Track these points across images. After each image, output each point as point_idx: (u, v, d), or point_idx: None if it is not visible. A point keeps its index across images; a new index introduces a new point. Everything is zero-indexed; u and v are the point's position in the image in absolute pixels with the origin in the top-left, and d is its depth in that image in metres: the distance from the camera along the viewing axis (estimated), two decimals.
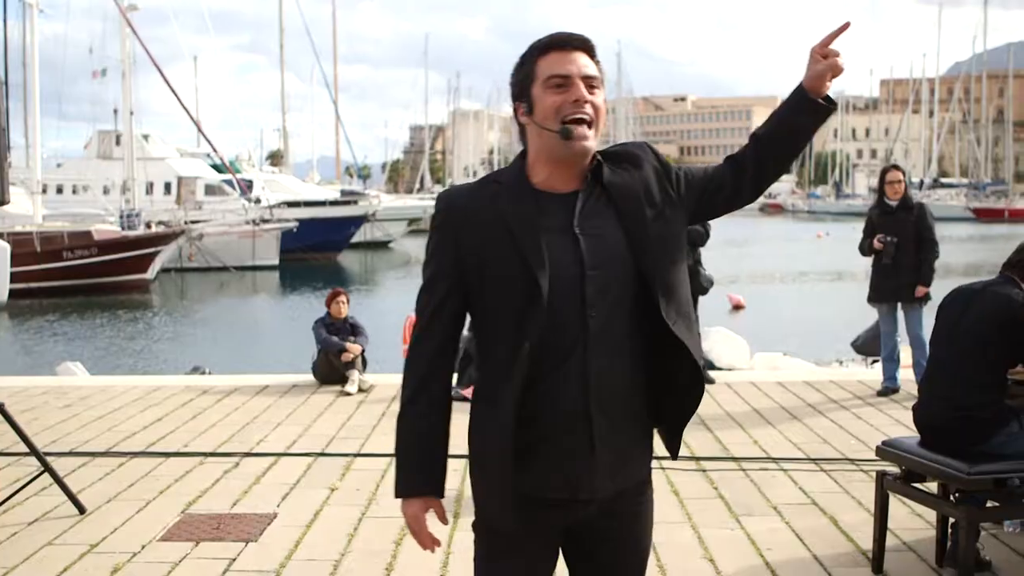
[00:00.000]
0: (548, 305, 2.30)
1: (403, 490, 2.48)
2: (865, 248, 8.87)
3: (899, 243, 8.58)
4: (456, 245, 2.38)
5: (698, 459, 6.58)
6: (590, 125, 2.36)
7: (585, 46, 2.40)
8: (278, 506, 5.76)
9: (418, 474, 2.48)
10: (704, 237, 9.18)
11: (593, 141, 2.37)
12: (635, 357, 2.41)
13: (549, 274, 2.30)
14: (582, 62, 2.38)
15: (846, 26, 2.46)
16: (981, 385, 4.43)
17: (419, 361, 2.46)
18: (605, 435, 2.38)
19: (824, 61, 2.44)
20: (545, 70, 2.36)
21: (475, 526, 2.53)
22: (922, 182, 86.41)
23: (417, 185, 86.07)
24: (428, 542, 2.51)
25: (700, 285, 9.14)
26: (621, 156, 2.46)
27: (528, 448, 2.36)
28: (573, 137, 2.33)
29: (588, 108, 2.36)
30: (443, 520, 2.54)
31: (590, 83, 2.38)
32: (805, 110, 2.50)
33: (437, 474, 2.49)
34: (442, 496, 2.51)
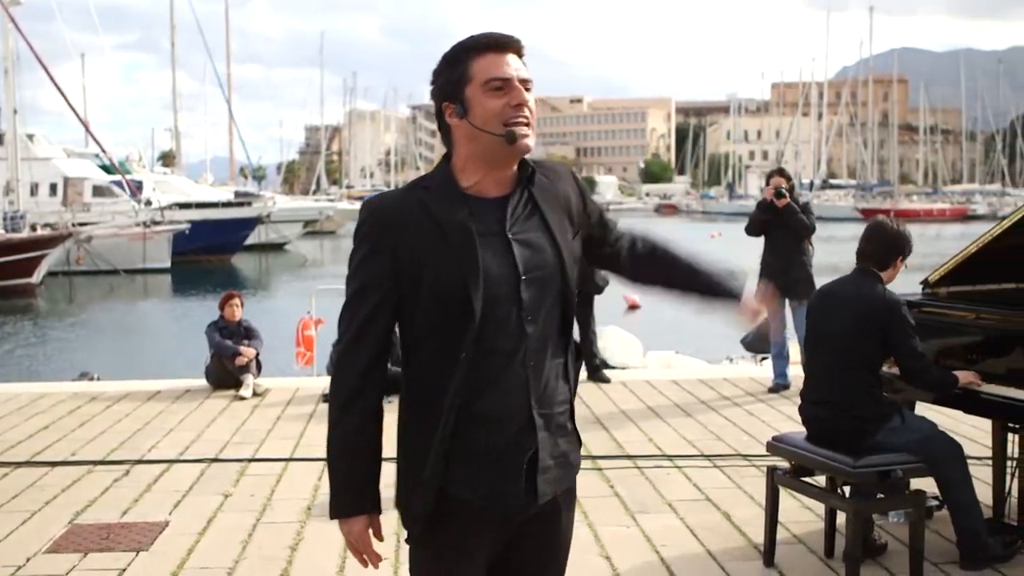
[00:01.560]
0: (488, 311, 2.27)
1: (346, 510, 2.39)
2: (754, 224, 9.05)
3: (786, 242, 8.80)
4: (392, 254, 2.30)
5: (594, 458, 6.63)
6: (528, 127, 2.35)
7: (517, 48, 2.37)
8: (170, 514, 5.64)
9: (359, 492, 2.39)
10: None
11: (533, 144, 2.36)
12: (562, 364, 2.44)
13: (487, 281, 2.27)
14: (516, 64, 2.35)
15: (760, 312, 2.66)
16: (858, 385, 4.56)
17: (351, 371, 2.35)
18: (546, 441, 2.38)
19: (752, 316, 2.66)
20: (483, 72, 2.30)
21: (417, 540, 2.40)
22: (812, 183, 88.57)
23: (313, 186, 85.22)
24: (375, 560, 2.43)
25: (596, 285, 9.23)
26: (547, 167, 2.47)
27: (469, 455, 2.32)
28: (518, 141, 2.31)
29: (527, 111, 2.34)
30: (379, 536, 2.44)
31: (526, 86, 2.35)
32: (718, 306, 2.69)
33: (375, 489, 2.41)
34: (380, 512, 2.43)
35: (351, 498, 2.39)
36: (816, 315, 4.80)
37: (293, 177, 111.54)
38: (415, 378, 2.36)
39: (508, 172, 2.38)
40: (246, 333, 9.59)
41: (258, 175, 79.68)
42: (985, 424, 5.46)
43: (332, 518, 2.42)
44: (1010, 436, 5.11)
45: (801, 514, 5.43)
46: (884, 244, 4.71)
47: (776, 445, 4.86)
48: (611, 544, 5.09)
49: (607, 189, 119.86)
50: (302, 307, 12.33)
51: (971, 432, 6.84)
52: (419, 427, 2.33)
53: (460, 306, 2.27)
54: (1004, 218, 5.38)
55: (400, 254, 2.30)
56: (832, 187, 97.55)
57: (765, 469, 4.98)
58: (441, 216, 2.30)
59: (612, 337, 11.96)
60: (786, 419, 7.49)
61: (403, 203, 2.34)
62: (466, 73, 2.31)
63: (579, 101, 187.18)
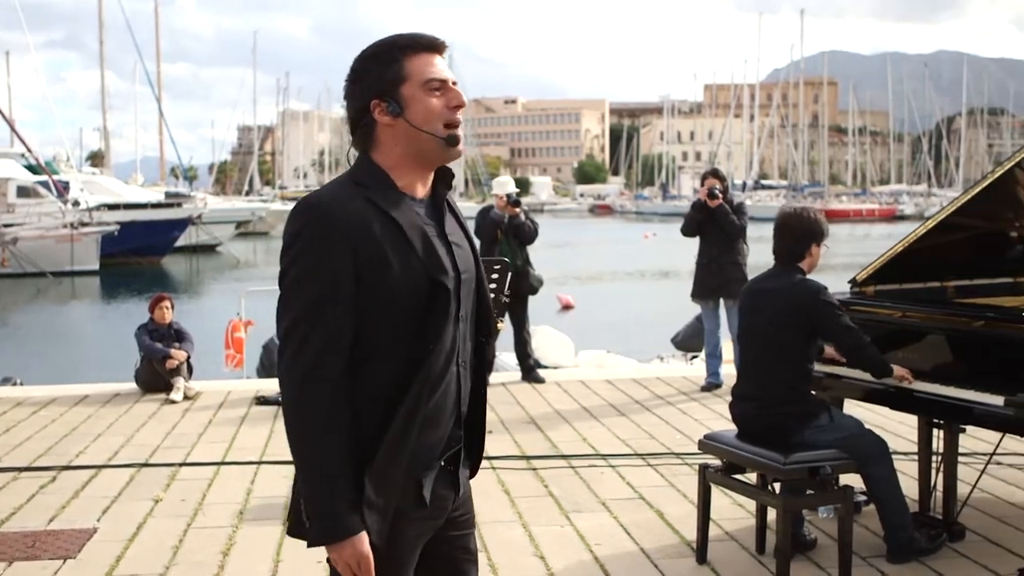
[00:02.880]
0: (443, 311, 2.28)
1: (347, 529, 2.20)
2: (689, 225, 9.14)
3: (721, 242, 8.91)
4: (354, 255, 2.20)
5: (528, 458, 6.64)
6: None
7: (445, 49, 2.36)
8: (98, 520, 5.54)
9: (353, 507, 2.21)
10: (533, 235, 9.33)
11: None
12: (477, 364, 2.46)
13: (446, 281, 2.28)
14: (447, 65, 2.36)
15: None
16: (784, 382, 4.62)
17: (327, 383, 2.20)
18: (470, 441, 2.42)
19: None
20: (420, 72, 2.28)
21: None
22: (745, 184, 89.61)
23: (246, 187, 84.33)
24: None
25: (530, 285, 9.27)
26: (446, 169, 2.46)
27: (420, 453, 2.29)
28: (459, 144, 2.32)
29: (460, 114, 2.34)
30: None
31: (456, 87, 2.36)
32: None
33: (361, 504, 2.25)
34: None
35: (346, 517, 2.19)
36: (744, 312, 4.87)
37: (225, 178, 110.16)
38: (377, 376, 2.26)
39: (429, 174, 2.37)
40: (176, 336, 9.46)
41: (190, 175, 78.72)
42: (912, 420, 5.56)
43: (320, 544, 2.22)
44: (935, 432, 5.22)
45: (733, 511, 5.49)
46: (794, 236, 4.77)
47: (708, 443, 4.91)
48: (545, 544, 5.10)
49: (541, 190, 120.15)
50: (233, 309, 12.20)
51: (898, 428, 6.98)
52: (372, 429, 2.24)
53: (426, 304, 2.25)
54: (929, 218, 5.49)
55: (361, 254, 2.21)
56: (764, 188, 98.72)
57: (697, 467, 5.03)
58: (396, 216, 2.25)
59: (544, 337, 12.01)
60: (719, 417, 7.57)
61: (354, 202, 2.23)
62: (401, 72, 2.27)
63: (513, 102, 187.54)
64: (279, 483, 6.11)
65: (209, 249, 44.72)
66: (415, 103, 2.27)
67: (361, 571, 2.22)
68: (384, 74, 2.28)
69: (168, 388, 8.90)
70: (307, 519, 2.24)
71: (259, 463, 6.58)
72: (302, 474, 2.24)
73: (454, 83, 2.34)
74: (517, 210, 9.36)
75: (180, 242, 40.65)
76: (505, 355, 10.83)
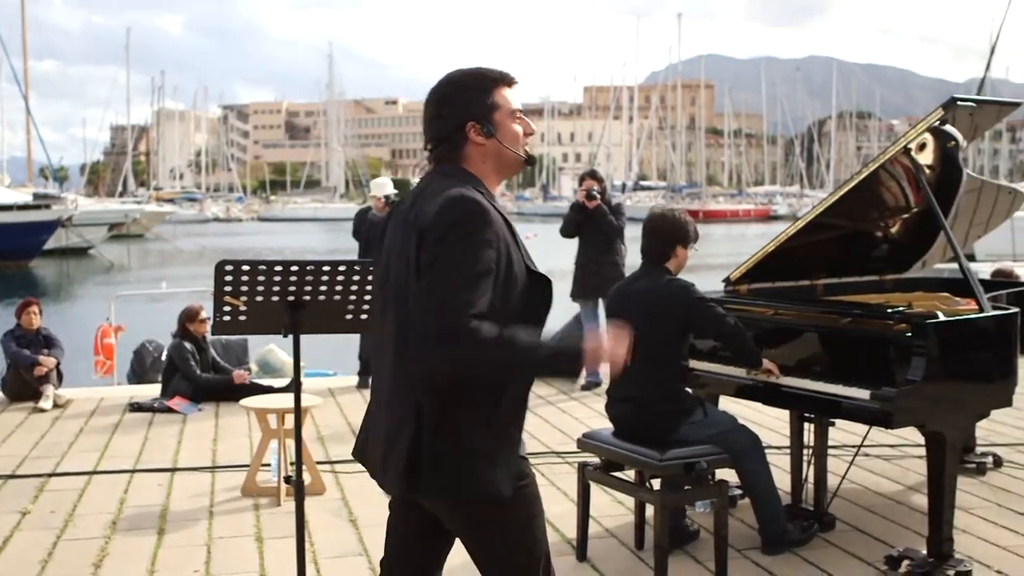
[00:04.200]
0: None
1: (573, 347, 2.57)
2: (568, 225, 9.21)
3: (599, 242, 9.01)
4: (497, 246, 2.56)
5: None
6: None
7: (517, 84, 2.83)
8: None
9: (561, 342, 2.58)
10: None
11: None
12: None
13: None
14: None
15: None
16: (658, 381, 4.69)
17: (494, 330, 2.47)
18: None
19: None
20: (509, 103, 2.74)
21: (513, 497, 2.62)
22: (624, 185, 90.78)
23: (120, 188, 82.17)
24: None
25: None
26: None
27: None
28: (535, 163, 2.89)
29: None
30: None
31: None
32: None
33: None
34: None
35: (567, 346, 2.57)
36: (614, 314, 4.88)
37: (98, 179, 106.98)
38: None
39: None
40: (45, 342, 9.16)
41: (60, 176, 76.18)
42: (785, 415, 5.71)
43: (580, 366, 2.59)
44: (807, 426, 5.37)
45: (612, 508, 5.55)
46: (660, 237, 4.85)
47: (586, 441, 4.95)
48: None
49: None
50: (104, 313, 11.88)
51: (772, 423, 7.16)
52: (513, 400, 2.63)
53: (530, 293, 2.63)
54: (800, 218, 5.63)
55: (499, 247, 2.57)
56: (643, 189, 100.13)
57: (577, 465, 5.07)
58: (507, 217, 2.66)
59: None
60: (598, 416, 7.65)
61: (488, 203, 2.61)
62: (494, 101, 2.72)
63: (394, 103, 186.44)
64: (154, 491, 5.96)
65: (81, 252, 43.42)
66: (504, 128, 2.73)
67: (613, 344, 2.60)
68: (479, 100, 2.72)
69: (37, 396, 8.62)
70: (560, 374, 2.72)
71: (133, 471, 6.40)
72: (532, 371, 2.71)
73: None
74: None
75: (50, 245, 39.38)
76: None
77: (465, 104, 2.72)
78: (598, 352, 2.58)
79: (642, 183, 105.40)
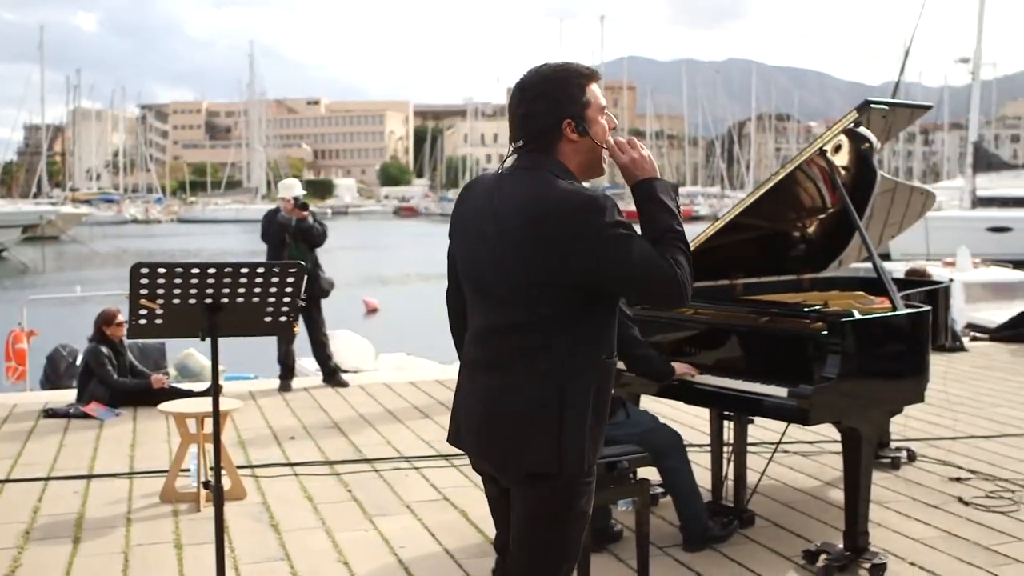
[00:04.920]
0: None
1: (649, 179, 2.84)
2: None
3: None
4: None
5: (332, 463, 6.55)
6: None
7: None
8: None
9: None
10: (322, 238, 9.23)
11: None
12: None
13: None
14: None
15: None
16: None
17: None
18: None
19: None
20: (596, 99, 2.79)
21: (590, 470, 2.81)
22: None
23: (34, 189, 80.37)
24: None
25: (322, 288, 9.15)
26: None
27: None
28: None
29: None
30: None
31: None
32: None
33: None
34: None
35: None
36: None
37: (11, 179, 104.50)
38: (599, 342, 2.75)
39: None
40: None
41: None
42: (705, 413, 5.77)
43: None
44: (726, 424, 5.44)
45: None
46: None
47: None
48: (349, 549, 5.05)
49: (345, 192, 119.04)
50: (14, 319, 11.59)
51: (692, 421, 7.24)
52: (608, 380, 2.81)
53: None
54: (719, 218, 5.69)
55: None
56: None
57: None
58: None
59: (343, 341, 11.88)
60: None
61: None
62: (585, 97, 2.76)
63: (316, 103, 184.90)
64: (69, 499, 5.83)
65: None
66: (595, 124, 2.77)
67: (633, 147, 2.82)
68: (576, 98, 2.75)
69: None
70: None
71: (47, 479, 6.25)
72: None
73: None
74: (305, 213, 9.25)
75: None
76: (304, 360, 10.65)
77: (563, 101, 2.74)
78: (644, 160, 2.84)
79: None
